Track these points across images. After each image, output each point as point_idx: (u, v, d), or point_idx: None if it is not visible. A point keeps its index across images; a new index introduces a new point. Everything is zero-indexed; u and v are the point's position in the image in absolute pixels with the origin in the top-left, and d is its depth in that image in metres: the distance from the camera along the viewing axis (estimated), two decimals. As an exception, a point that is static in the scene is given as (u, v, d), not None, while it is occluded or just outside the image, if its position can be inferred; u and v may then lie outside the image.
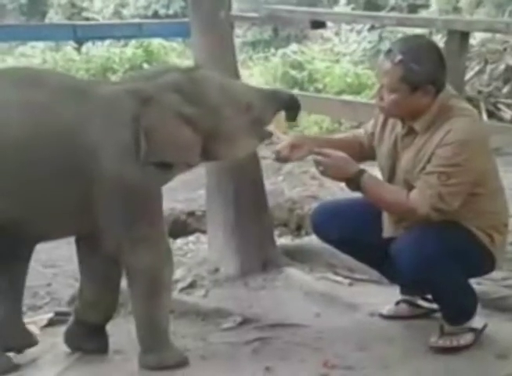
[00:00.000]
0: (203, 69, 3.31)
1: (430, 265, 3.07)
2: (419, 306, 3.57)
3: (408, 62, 3.09)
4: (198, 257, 4.21)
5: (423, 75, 3.10)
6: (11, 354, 3.20)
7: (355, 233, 3.35)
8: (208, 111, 3.11)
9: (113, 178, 2.97)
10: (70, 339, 3.31)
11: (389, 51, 3.16)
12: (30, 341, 3.26)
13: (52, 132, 2.92)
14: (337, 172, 3.20)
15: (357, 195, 3.29)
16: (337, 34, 11.69)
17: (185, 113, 3.06)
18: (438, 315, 3.40)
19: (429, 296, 3.49)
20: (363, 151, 3.45)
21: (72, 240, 3.27)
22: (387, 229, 3.34)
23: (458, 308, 3.27)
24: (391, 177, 3.30)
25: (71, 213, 3.01)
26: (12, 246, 3.08)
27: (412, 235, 3.13)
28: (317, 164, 3.21)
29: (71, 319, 3.35)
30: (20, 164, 2.91)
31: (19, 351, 3.23)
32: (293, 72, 9.75)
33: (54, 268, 4.37)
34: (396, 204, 3.18)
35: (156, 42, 11.24)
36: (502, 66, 8.19)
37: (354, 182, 3.17)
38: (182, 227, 4.93)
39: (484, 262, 3.27)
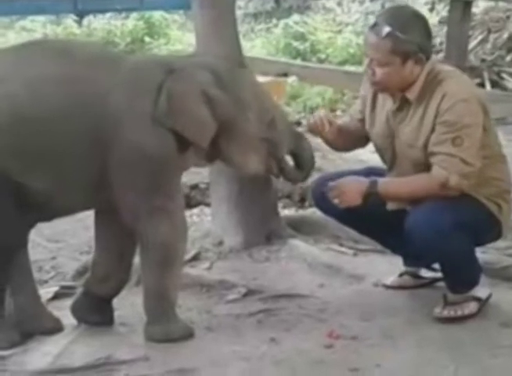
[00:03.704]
0: (247, 69, 3.33)
1: (443, 236, 3.07)
2: (422, 277, 3.59)
3: (395, 33, 3.06)
4: (202, 229, 4.21)
5: (413, 44, 3.09)
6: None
7: (356, 207, 3.34)
8: (233, 101, 3.12)
9: (132, 146, 2.99)
10: (77, 310, 3.33)
11: (375, 25, 3.13)
12: (56, 325, 3.28)
13: (82, 103, 2.96)
14: (351, 196, 3.17)
15: (358, 167, 3.28)
16: (339, 4, 11.61)
17: (210, 94, 3.08)
18: (442, 284, 3.42)
19: (433, 265, 3.50)
20: (354, 138, 3.45)
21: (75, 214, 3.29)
22: (392, 201, 3.34)
23: (463, 277, 3.28)
24: (392, 156, 3.29)
25: (95, 183, 3.03)
26: (32, 226, 3.12)
27: (426, 207, 3.12)
28: (332, 198, 3.21)
29: (80, 290, 3.38)
30: (54, 135, 2.94)
31: (45, 334, 3.24)
32: (295, 43, 9.71)
33: (58, 242, 4.37)
34: (425, 189, 3.14)
35: (157, 14, 11.19)
36: (505, 35, 8.15)
37: (371, 194, 3.16)
38: (185, 200, 4.93)
39: (493, 231, 3.29)
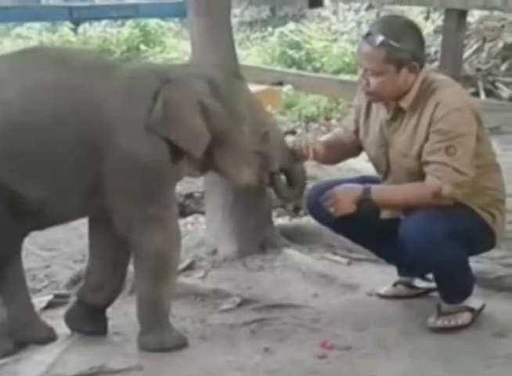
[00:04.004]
0: (243, 80, 3.34)
1: (435, 245, 3.07)
2: (416, 287, 3.58)
3: (389, 42, 3.08)
4: (196, 238, 4.21)
5: (406, 52, 3.10)
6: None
7: (350, 215, 3.33)
8: (229, 113, 3.12)
9: (126, 154, 2.99)
10: (70, 320, 3.32)
11: (368, 34, 3.14)
12: (49, 334, 3.27)
13: (77, 111, 2.96)
14: (346, 204, 3.18)
15: (353, 175, 3.28)
16: (334, 12, 11.63)
17: (206, 103, 3.08)
18: (435, 294, 3.41)
19: (426, 275, 3.50)
20: (347, 150, 3.46)
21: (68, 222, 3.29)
22: (386, 210, 3.34)
23: (457, 287, 3.28)
24: (387, 165, 3.30)
25: (90, 191, 3.02)
26: (26, 234, 3.11)
27: (418, 216, 3.12)
28: (327, 207, 3.23)
29: (73, 299, 3.37)
30: (49, 143, 2.94)
31: (38, 343, 3.23)
32: (290, 52, 9.72)
33: (52, 251, 4.36)
34: (418, 197, 3.15)
35: (152, 22, 11.19)
36: (500, 44, 8.16)
37: (365, 201, 3.16)
38: (180, 209, 4.93)
39: (487, 240, 3.29)
